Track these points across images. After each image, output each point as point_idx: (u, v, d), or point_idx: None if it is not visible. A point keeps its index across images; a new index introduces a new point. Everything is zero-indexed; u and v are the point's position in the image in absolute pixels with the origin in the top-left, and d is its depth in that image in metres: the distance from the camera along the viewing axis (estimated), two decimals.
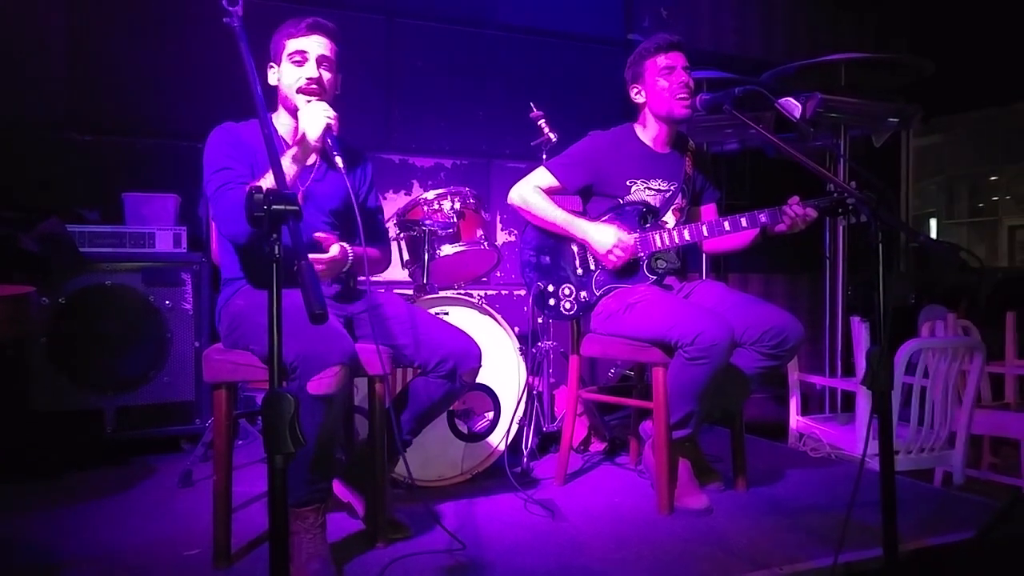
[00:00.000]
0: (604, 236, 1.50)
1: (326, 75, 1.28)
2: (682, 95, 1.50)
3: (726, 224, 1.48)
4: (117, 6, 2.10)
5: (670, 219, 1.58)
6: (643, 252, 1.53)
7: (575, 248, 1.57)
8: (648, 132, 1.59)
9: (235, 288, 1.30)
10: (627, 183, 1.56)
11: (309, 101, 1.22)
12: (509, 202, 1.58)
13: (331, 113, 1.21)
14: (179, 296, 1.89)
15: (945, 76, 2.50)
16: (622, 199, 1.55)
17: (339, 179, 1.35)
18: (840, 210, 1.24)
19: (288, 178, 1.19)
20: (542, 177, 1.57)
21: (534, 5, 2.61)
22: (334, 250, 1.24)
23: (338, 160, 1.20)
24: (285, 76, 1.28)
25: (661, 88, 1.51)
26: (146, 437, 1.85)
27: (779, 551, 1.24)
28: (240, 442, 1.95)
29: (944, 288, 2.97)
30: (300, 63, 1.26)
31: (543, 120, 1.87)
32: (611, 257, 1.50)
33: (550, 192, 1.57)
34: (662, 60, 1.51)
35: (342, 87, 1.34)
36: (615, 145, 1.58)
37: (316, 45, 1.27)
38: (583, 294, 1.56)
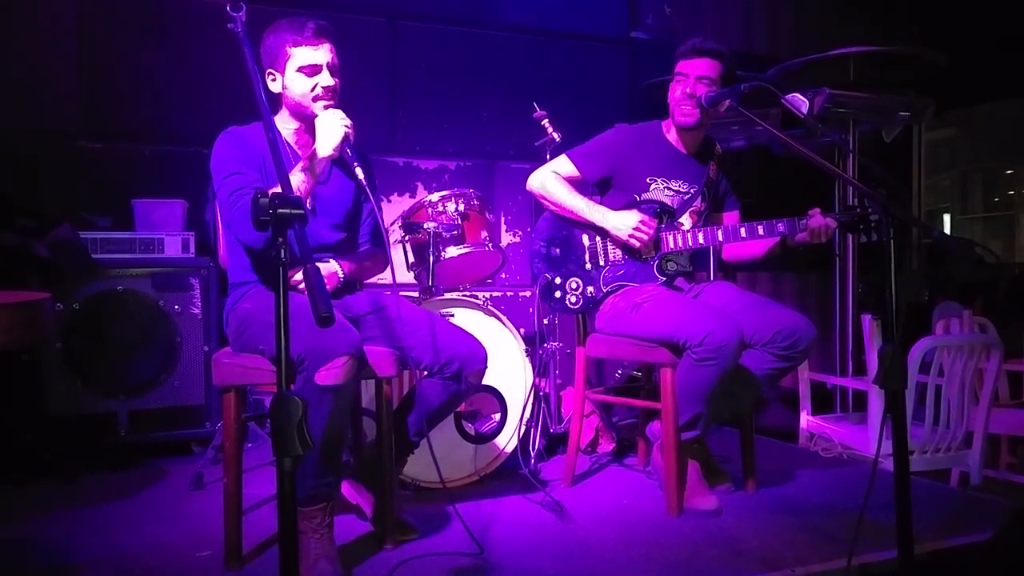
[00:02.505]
0: (626, 218, 1.48)
1: (336, 81, 1.28)
2: (683, 104, 1.49)
3: (742, 231, 1.46)
4: (125, 16, 2.13)
5: (686, 221, 1.56)
6: (656, 252, 1.52)
7: (586, 242, 1.56)
8: (672, 132, 1.58)
9: (242, 292, 1.31)
10: (647, 180, 1.54)
11: (327, 107, 1.21)
12: (528, 188, 1.58)
13: (347, 121, 1.20)
14: (188, 300, 1.91)
15: (958, 68, 2.45)
16: (639, 196, 1.54)
17: (345, 181, 1.36)
18: (862, 226, 1.19)
19: (304, 192, 1.18)
20: (562, 165, 1.56)
21: (536, 4, 2.60)
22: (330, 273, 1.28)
23: (358, 171, 1.19)
24: (295, 86, 1.25)
25: (672, 93, 1.52)
26: (158, 440, 1.87)
27: (791, 552, 1.22)
28: (249, 445, 1.97)
29: (958, 285, 2.92)
30: (313, 74, 1.25)
31: (547, 120, 1.87)
32: (634, 239, 1.48)
33: (569, 181, 1.56)
34: (680, 65, 1.51)
35: (345, 90, 1.34)
36: (640, 140, 1.57)
37: (326, 53, 1.25)
38: (590, 289, 1.55)
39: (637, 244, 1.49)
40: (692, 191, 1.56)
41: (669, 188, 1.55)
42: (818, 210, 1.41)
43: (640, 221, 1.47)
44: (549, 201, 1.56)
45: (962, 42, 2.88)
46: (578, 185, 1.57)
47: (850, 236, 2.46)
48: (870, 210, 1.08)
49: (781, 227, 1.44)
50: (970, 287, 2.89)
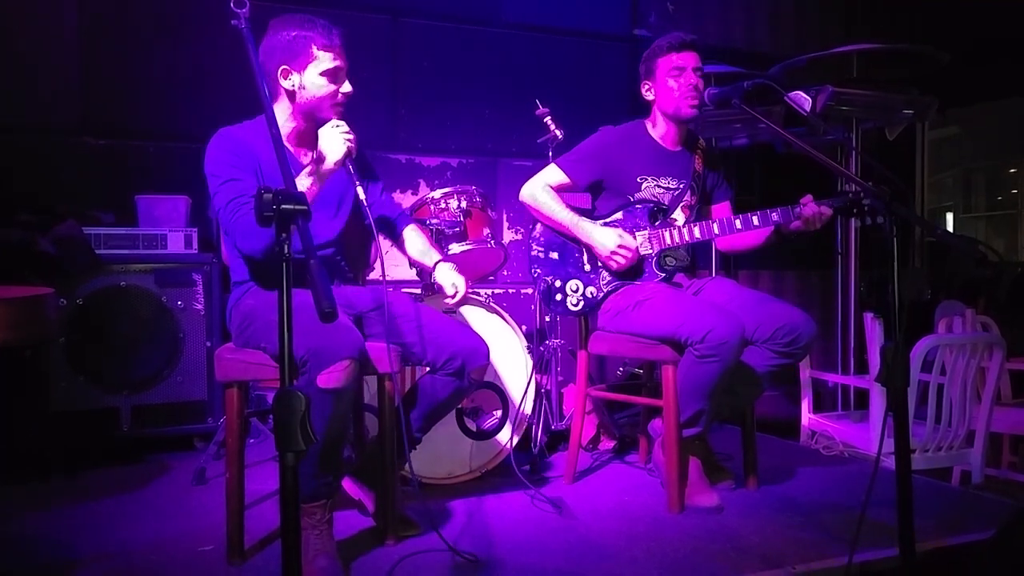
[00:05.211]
0: (607, 239, 1.49)
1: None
2: (690, 97, 1.49)
3: (737, 222, 1.47)
4: (128, 12, 2.13)
5: (680, 216, 1.57)
6: (654, 250, 1.53)
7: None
8: (658, 130, 1.59)
9: (246, 288, 1.31)
10: (638, 180, 1.55)
11: (337, 124, 1.20)
12: (520, 199, 1.59)
13: (350, 136, 1.20)
14: (191, 296, 1.92)
15: (962, 65, 2.44)
16: (632, 196, 1.55)
17: (346, 177, 1.36)
18: (855, 210, 1.20)
19: (309, 196, 1.17)
20: (552, 174, 1.57)
21: (539, 2, 2.60)
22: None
23: (360, 191, 1.19)
24: (316, 88, 1.23)
25: (670, 88, 1.51)
26: (161, 436, 1.88)
27: (792, 550, 1.22)
28: (252, 440, 1.97)
29: (961, 283, 2.91)
30: (335, 80, 1.24)
31: (549, 117, 1.86)
32: (613, 262, 1.50)
33: (561, 189, 1.57)
34: (674, 60, 1.51)
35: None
36: (626, 141, 1.57)
37: (346, 61, 1.25)
38: (590, 290, 1.55)
39: (615, 266, 1.50)
40: (681, 186, 1.57)
41: (660, 185, 1.55)
42: (811, 197, 1.41)
43: (619, 246, 1.48)
44: (539, 213, 1.56)
45: (967, 38, 2.87)
46: (571, 191, 1.57)
47: (852, 235, 2.46)
48: (862, 194, 1.08)
49: (776, 216, 1.44)
50: (972, 286, 2.88)
